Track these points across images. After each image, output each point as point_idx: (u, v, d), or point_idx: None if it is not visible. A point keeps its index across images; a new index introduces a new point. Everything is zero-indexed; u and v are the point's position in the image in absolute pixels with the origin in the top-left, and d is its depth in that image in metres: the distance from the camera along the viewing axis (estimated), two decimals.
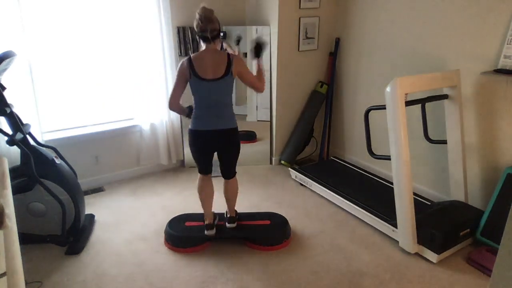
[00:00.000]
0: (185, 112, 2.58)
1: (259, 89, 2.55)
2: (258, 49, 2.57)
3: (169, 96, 2.47)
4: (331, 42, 4.11)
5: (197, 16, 2.32)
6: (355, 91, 4.00)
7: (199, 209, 2.97)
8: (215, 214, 2.89)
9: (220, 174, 2.75)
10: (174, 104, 2.48)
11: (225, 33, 3.89)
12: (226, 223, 2.83)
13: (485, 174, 3.00)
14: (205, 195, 2.76)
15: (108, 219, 3.18)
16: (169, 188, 3.71)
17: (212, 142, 2.54)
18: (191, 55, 2.38)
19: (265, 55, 3.88)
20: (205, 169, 2.69)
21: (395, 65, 3.51)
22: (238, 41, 3.86)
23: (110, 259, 2.69)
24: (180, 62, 2.39)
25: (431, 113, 3.25)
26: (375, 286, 2.45)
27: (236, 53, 2.59)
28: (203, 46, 2.41)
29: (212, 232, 2.74)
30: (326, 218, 3.21)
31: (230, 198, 2.82)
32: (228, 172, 2.72)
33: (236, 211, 2.91)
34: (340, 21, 3.98)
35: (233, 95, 4.05)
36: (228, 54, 2.40)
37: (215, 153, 2.65)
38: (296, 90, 4.08)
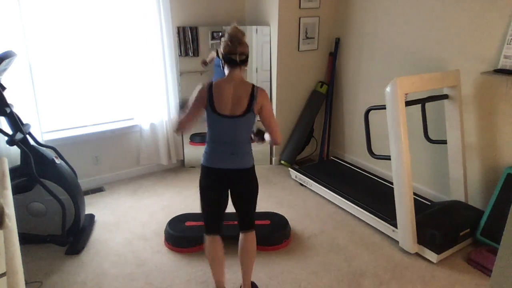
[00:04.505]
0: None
1: (277, 137, 2.12)
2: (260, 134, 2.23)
3: (179, 119, 2.09)
4: (331, 42, 4.11)
5: (226, 36, 1.99)
6: (355, 91, 4.01)
7: (198, 209, 2.97)
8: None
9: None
10: (183, 130, 2.12)
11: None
12: None
13: (485, 174, 3.00)
14: (213, 260, 2.25)
15: (108, 219, 3.18)
16: (169, 188, 3.71)
17: (225, 182, 2.15)
18: (213, 82, 2.03)
19: (265, 55, 3.90)
20: (212, 224, 2.22)
21: (395, 65, 3.51)
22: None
23: (110, 259, 2.69)
24: (200, 86, 2.03)
25: (431, 113, 3.25)
26: (375, 286, 2.45)
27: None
28: (226, 72, 2.06)
29: None
30: (326, 218, 3.21)
31: (245, 261, 2.25)
32: (244, 221, 2.23)
33: (253, 283, 2.37)
34: (340, 21, 3.98)
35: None
36: (253, 86, 2.03)
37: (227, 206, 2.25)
38: (296, 90, 4.08)
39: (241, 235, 2.25)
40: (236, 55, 1.97)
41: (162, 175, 3.98)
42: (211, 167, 2.11)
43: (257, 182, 2.23)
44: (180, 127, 2.09)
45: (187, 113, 2.06)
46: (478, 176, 3.05)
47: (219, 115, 2.01)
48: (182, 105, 2.25)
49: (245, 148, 2.13)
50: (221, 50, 2.02)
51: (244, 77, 2.11)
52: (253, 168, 2.18)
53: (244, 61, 2.02)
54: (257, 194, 2.24)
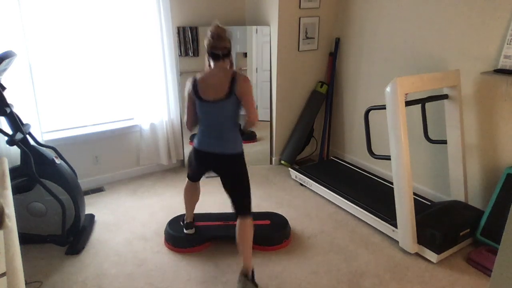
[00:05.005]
0: None
1: (251, 117, 2.32)
2: None
3: (186, 119, 2.40)
4: (331, 42, 4.11)
5: (208, 33, 2.22)
6: (355, 91, 4.01)
7: (198, 209, 2.98)
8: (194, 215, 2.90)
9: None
10: (192, 127, 2.41)
11: None
12: (238, 283, 2.40)
13: (485, 174, 3.00)
14: (189, 199, 2.77)
15: (108, 219, 3.18)
16: (169, 188, 3.71)
17: (211, 165, 2.41)
18: (197, 75, 2.28)
19: (265, 55, 3.90)
20: (195, 177, 2.68)
21: (395, 65, 3.51)
22: None
23: (110, 259, 2.69)
24: (187, 82, 2.31)
25: (431, 113, 3.25)
26: (375, 286, 2.45)
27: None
28: (211, 64, 2.29)
29: (191, 231, 2.78)
30: (326, 218, 3.21)
31: (242, 246, 2.36)
32: (237, 207, 2.38)
33: (252, 268, 2.42)
34: (340, 21, 3.98)
35: None
36: (234, 73, 2.25)
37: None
38: (296, 90, 4.08)
39: (237, 221, 2.38)
40: (219, 49, 2.22)
41: (162, 175, 3.98)
42: (198, 149, 2.37)
43: (245, 170, 2.39)
44: (188, 125, 2.40)
45: (186, 112, 2.37)
46: (478, 176, 3.05)
47: (204, 101, 2.25)
48: None
49: (230, 133, 2.32)
50: (205, 46, 2.26)
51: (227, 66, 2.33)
52: (239, 155, 2.35)
53: (227, 55, 2.26)
54: (245, 182, 2.38)
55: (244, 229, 2.35)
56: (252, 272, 2.42)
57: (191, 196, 2.77)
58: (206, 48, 2.25)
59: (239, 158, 2.35)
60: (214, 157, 2.33)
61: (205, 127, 2.32)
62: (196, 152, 2.41)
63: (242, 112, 2.33)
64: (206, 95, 2.23)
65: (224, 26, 2.24)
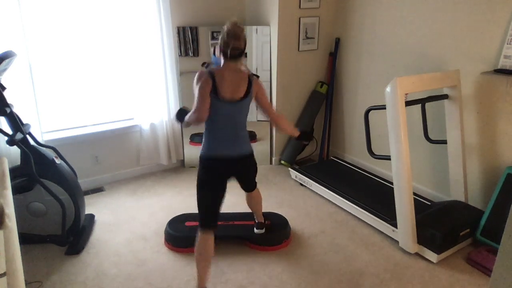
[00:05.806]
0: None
1: (276, 115, 2.39)
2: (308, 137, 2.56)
3: (194, 110, 2.14)
4: (331, 42, 4.11)
5: (224, 31, 2.11)
6: (355, 91, 4.01)
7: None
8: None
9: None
10: (203, 118, 2.16)
11: None
12: (255, 228, 2.82)
13: (485, 174, 3.00)
14: (204, 259, 2.27)
15: (108, 219, 3.18)
16: (169, 188, 3.71)
17: (228, 169, 2.30)
18: (212, 70, 2.16)
19: (265, 55, 3.90)
20: (212, 217, 2.27)
21: (395, 65, 3.51)
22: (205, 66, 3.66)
23: (110, 259, 2.69)
24: (198, 74, 2.14)
25: (431, 113, 3.25)
26: (375, 286, 2.45)
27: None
28: (222, 62, 2.20)
29: None
30: (326, 218, 3.21)
31: (255, 207, 2.77)
32: (249, 188, 2.62)
33: (264, 217, 2.89)
34: (340, 21, 3.98)
35: None
36: (249, 74, 2.24)
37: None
38: (296, 90, 4.08)
39: (247, 194, 2.68)
40: (234, 49, 2.12)
41: (162, 175, 3.98)
42: (215, 155, 2.24)
43: (256, 163, 2.50)
44: (202, 116, 2.14)
45: (199, 101, 2.12)
46: (478, 176, 3.05)
47: (222, 100, 2.14)
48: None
49: (244, 133, 2.32)
50: (218, 42, 2.17)
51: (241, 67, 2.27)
52: (253, 153, 2.41)
53: (238, 55, 2.16)
54: (257, 169, 2.56)
55: (255, 199, 2.71)
56: (264, 222, 2.85)
57: (206, 255, 2.26)
58: (220, 46, 2.14)
59: (253, 155, 2.43)
60: (232, 160, 2.26)
61: (219, 129, 2.21)
62: (211, 161, 2.23)
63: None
64: (225, 94, 2.13)
65: (241, 25, 2.15)
